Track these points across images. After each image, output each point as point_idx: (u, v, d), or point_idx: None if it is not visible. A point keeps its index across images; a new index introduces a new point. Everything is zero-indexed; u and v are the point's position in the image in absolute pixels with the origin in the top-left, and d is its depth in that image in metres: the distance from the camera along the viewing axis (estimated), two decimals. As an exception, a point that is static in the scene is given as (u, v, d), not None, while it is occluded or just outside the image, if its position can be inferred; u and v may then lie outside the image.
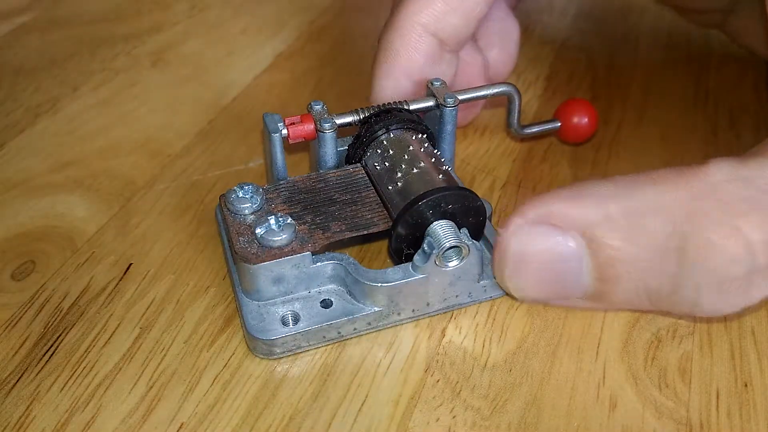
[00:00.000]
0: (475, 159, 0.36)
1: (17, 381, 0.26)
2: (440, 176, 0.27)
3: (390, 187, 0.28)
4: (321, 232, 0.27)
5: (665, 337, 0.27)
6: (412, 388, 0.26)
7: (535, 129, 0.35)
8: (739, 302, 0.25)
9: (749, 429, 0.25)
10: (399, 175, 0.28)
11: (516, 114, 0.33)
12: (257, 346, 0.26)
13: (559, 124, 0.35)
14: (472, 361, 0.27)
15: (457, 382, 0.26)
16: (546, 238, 0.25)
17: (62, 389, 0.25)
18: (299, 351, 0.27)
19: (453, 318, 0.28)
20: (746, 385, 0.26)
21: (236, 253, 0.26)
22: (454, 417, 0.25)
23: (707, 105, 0.41)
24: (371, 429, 0.24)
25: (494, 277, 0.28)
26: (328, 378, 0.26)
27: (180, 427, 0.24)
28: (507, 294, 0.28)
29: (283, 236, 0.26)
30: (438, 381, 0.26)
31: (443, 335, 0.27)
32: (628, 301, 0.26)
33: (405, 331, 0.28)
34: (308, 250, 0.26)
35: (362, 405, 0.25)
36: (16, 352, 0.27)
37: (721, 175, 0.24)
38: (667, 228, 0.24)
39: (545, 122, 0.35)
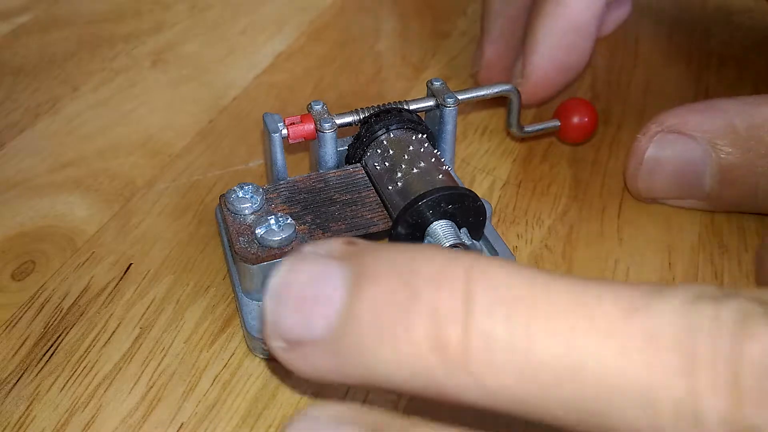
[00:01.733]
0: (475, 159, 0.36)
1: (17, 381, 0.26)
2: (440, 176, 0.27)
3: (390, 187, 0.28)
4: (321, 232, 0.27)
5: (665, 337, 0.27)
6: (412, 388, 0.26)
7: (535, 129, 0.35)
8: None
9: (749, 429, 0.25)
10: (399, 175, 0.28)
11: (516, 114, 0.33)
12: (257, 346, 0.26)
13: (559, 123, 0.35)
14: (472, 361, 0.26)
15: (457, 382, 0.26)
16: (679, 143, 0.30)
17: (62, 389, 0.25)
18: (299, 351, 0.27)
19: (453, 318, 0.28)
20: (746, 385, 0.26)
21: (236, 253, 0.26)
22: (454, 417, 0.25)
23: (707, 105, 0.41)
24: (371, 429, 0.24)
25: (624, 178, 0.33)
26: (328, 378, 0.26)
27: (180, 427, 0.24)
28: (635, 197, 0.33)
29: (283, 236, 0.26)
30: (438, 381, 0.26)
31: (443, 335, 0.27)
32: (739, 203, 0.31)
33: (405, 331, 0.28)
34: (308, 250, 0.26)
35: (362, 405, 0.25)
36: (16, 352, 0.27)
37: None
38: None
39: (545, 122, 0.35)
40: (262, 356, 0.26)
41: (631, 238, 0.32)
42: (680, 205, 0.33)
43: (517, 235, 0.32)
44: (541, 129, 0.35)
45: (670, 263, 0.31)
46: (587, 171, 0.36)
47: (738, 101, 0.30)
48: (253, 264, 0.26)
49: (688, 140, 0.30)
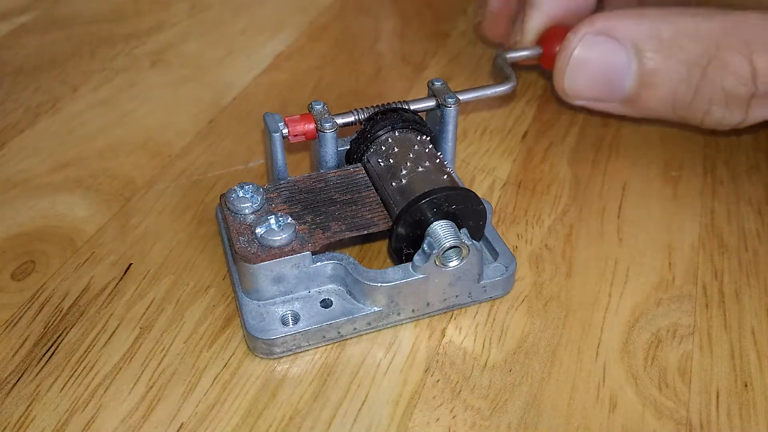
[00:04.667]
0: (475, 159, 0.36)
1: (17, 381, 0.26)
2: (444, 176, 0.27)
3: (393, 184, 0.28)
4: (321, 232, 0.27)
5: (665, 337, 0.27)
6: (412, 388, 0.26)
7: (516, 56, 0.36)
8: (738, 118, 0.32)
9: (749, 429, 0.25)
10: (403, 172, 0.27)
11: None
12: (257, 345, 0.26)
13: (542, 51, 0.36)
14: (472, 361, 0.27)
15: (457, 382, 0.26)
16: (606, 46, 0.32)
17: (62, 389, 0.25)
18: (299, 351, 0.27)
19: (453, 318, 0.28)
20: (746, 385, 0.26)
21: (236, 252, 0.26)
22: (454, 417, 0.25)
23: (707, 105, 0.41)
24: (371, 429, 0.24)
25: (553, 81, 0.34)
26: (328, 378, 0.26)
27: (180, 427, 0.24)
28: (561, 96, 0.34)
29: (283, 236, 0.26)
30: (438, 381, 0.26)
31: (443, 335, 0.27)
32: (656, 108, 0.33)
33: (405, 331, 0.28)
34: (308, 250, 0.26)
35: (362, 405, 0.25)
36: (16, 352, 0.27)
37: (753, 19, 0.31)
38: (700, 50, 0.31)
39: (527, 49, 0.36)
40: (262, 356, 0.26)
41: (631, 238, 0.32)
42: (601, 108, 0.34)
43: (517, 235, 0.32)
44: (524, 56, 0.36)
45: (670, 263, 0.31)
46: (587, 171, 0.36)
47: (666, 10, 0.32)
48: (253, 264, 0.26)
49: (614, 43, 0.32)
